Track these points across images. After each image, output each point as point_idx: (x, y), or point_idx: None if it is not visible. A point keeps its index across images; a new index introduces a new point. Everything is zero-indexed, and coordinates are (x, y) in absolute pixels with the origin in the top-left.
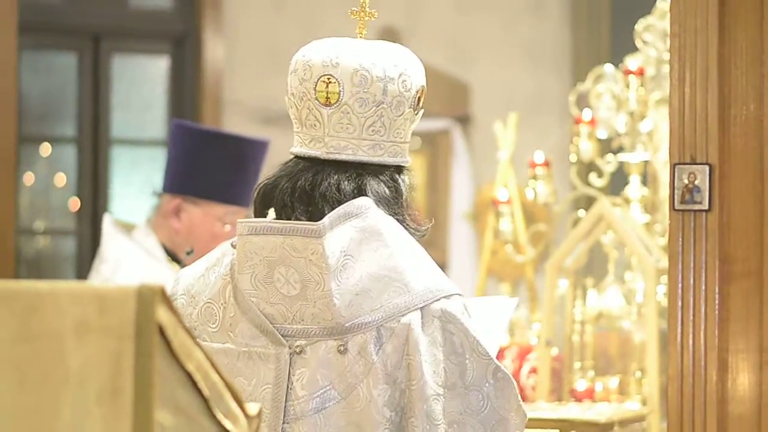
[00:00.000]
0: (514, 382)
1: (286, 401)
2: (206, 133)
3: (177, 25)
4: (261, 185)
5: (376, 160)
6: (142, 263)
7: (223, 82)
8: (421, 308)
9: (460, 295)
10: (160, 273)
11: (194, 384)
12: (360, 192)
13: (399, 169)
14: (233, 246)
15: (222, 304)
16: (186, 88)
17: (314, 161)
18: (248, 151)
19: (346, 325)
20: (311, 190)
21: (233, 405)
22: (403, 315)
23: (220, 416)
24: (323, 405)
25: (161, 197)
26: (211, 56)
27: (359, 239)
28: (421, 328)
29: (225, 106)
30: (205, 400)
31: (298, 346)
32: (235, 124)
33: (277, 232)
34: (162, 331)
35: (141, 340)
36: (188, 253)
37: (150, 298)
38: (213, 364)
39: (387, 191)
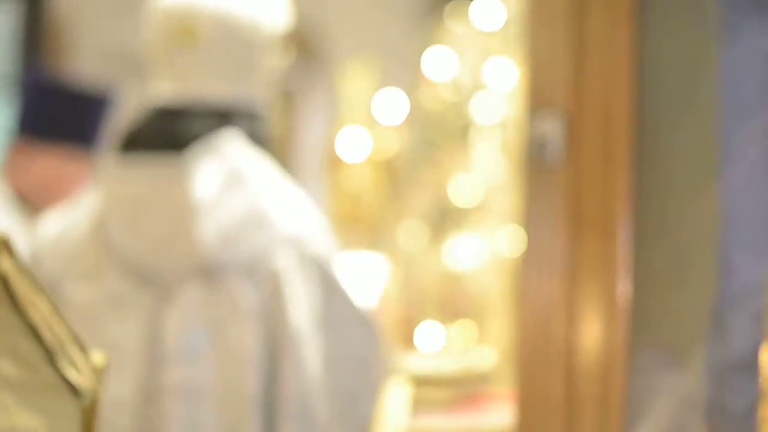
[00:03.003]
0: (380, 327)
1: (156, 345)
2: (61, 80)
3: None
4: (121, 130)
5: (238, 103)
6: None
7: (72, 23)
8: (291, 249)
9: (329, 238)
10: (13, 221)
11: (38, 335)
12: (222, 134)
13: (261, 111)
14: (98, 189)
15: (88, 249)
16: (34, 31)
17: (175, 105)
18: (104, 98)
19: (215, 266)
20: (173, 135)
21: (78, 357)
22: (272, 255)
23: (63, 367)
24: (193, 348)
25: (13, 142)
26: None
27: (226, 179)
28: (291, 269)
29: (75, 49)
30: (48, 351)
31: (167, 288)
32: (84, 67)
33: (143, 173)
34: (5, 282)
35: None
36: (33, 199)
37: None
38: (58, 315)
39: (250, 133)
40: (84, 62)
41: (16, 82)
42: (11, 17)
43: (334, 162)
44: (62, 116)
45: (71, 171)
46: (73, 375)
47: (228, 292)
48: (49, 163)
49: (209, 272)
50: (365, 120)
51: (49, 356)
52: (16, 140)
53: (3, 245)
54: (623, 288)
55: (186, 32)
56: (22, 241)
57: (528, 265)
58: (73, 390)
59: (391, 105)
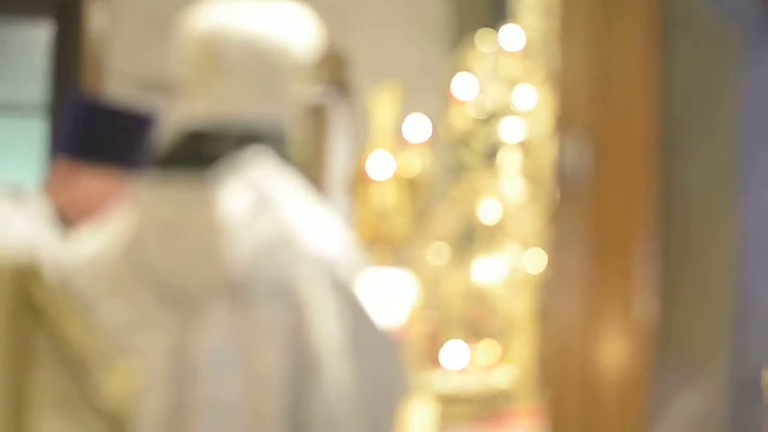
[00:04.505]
0: (404, 349)
1: (184, 363)
2: (104, 103)
3: None
4: (153, 152)
5: (266, 124)
6: (31, 229)
7: (106, 48)
8: (319, 270)
9: (356, 258)
10: (50, 240)
11: (71, 353)
12: (252, 156)
13: (289, 133)
14: (129, 208)
15: (118, 268)
16: (68, 55)
17: (204, 128)
18: (145, 122)
19: (243, 287)
20: (203, 157)
21: (110, 374)
22: (299, 277)
23: (96, 384)
24: (222, 365)
25: (55, 163)
26: (94, 22)
27: (254, 201)
28: (319, 289)
29: (107, 73)
30: (81, 369)
31: (195, 309)
32: (118, 90)
33: (172, 194)
34: (37, 304)
35: (15, 317)
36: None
37: (25, 275)
38: (91, 337)
39: (278, 155)
40: (116, 86)
41: (50, 104)
42: (44, 39)
43: (361, 180)
44: (105, 137)
45: (113, 191)
46: (105, 392)
47: (256, 313)
48: (90, 182)
49: (238, 292)
50: (393, 139)
51: (82, 377)
52: (58, 159)
53: (34, 273)
54: (645, 307)
55: (215, 55)
56: (59, 258)
57: (552, 285)
58: (105, 407)
59: (419, 125)
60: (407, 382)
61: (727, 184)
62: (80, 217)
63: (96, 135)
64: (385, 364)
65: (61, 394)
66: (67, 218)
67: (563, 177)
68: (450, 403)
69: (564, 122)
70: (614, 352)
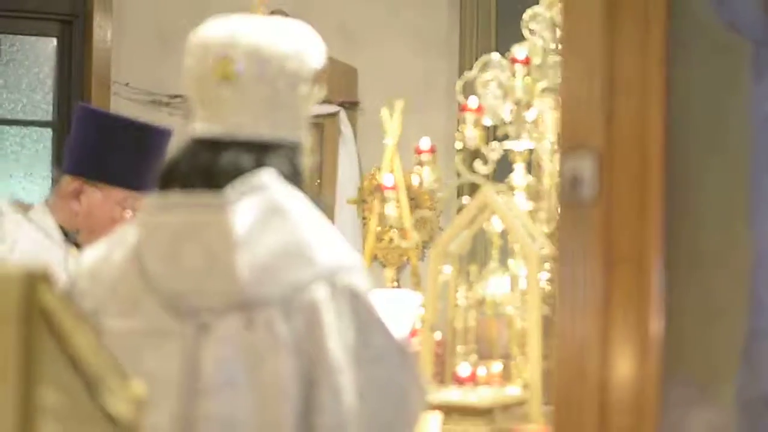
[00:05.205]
0: (416, 359)
1: (194, 377)
2: (112, 118)
3: (65, 6)
4: (161, 166)
5: (274, 137)
6: (38, 244)
7: (112, 63)
8: (327, 281)
9: (363, 269)
10: (57, 254)
11: (79, 366)
12: (260, 168)
13: (297, 146)
14: (138, 224)
15: (127, 283)
16: (74, 70)
17: (213, 140)
18: (152, 138)
19: (253, 299)
20: (211, 168)
21: (119, 387)
22: (309, 288)
23: (104, 398)
24: (231, 379)
25: (61, 178)
26: (100, 38)
27: (264, 213)
28: (328, 301)
29: (113, 89)
30: (89, 382)
31: (205, 321)
32: (123, 106)
33: (182, 207)
34: (46, 314)
35: (25, 323)
36: (75, 234)
37: (34, 281)
38: (99, 346)
39: (286, 168)
40: (122, 101)
41: (57, 117)
42: (51, 53)
43: (369, 194)
44: (111, 153)
45: (118, 207)
46: (113, 405)
47: (265, 325)
48: (94, 199)
49: (246, 305)
50: (401, 154)
51: (90, 387)
52: (65, 175)
53: (44, 279)
54: (656, 324)
55: (223, 66)
56: (65, 273)
57: (562, 301)
58: (114, 420)
59: (427, 140)
60: (423, 393)
61: (739, 199)
62: (85, 232)
63: (101, 152)
64: (398, 373)
65: (69, 404)
66: (69, 233)
67: (571, 193)
68: (459, 418)
69: (570, 138)
70: (625, 369)
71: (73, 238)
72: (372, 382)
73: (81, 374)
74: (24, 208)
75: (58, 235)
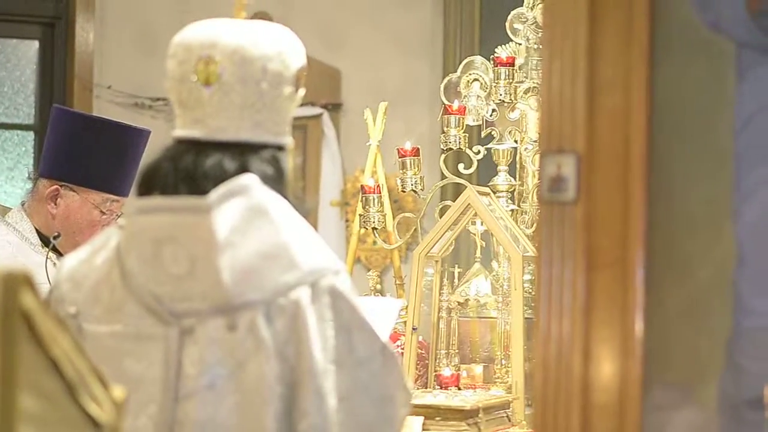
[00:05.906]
0: (400, 360)
1: (176, 380)
2: (88, 120)
3: (48, 9)
4: (143, 169)
5: (257, 139)
6: (15, 248)
7: (94, 66)
8: (310, 284)
9: (344, 272)
10: (34, 257)
11: (59, 370)
12: (243, 171)
13: (280, 148)
14: (120, 227)
15: (109, 287)
16: (56, 73)
17: (196, 143)
18: (129, 139)
19: (235, 302)
20: (194, 171)
21: (99, 391)
22: (291, 291)
23: (84, 402)
24: (213, 383)
25: (38, 182)
26: (82, 41)
27: (246, 216)
28: (310, 304)
29: (95, 92)
30: (69, 386)
31: (187, 324)
32: (106, 109)
33: (164, 210)
34: (26, 318)
35: (4, 326)
36: (55, 238)
37: (14, 284)
38: (79, 350)
39: (269, 170)
40: (104, 103)
41: (38, 120)
42: (31, 58)
43: (353, 196)
44: (88, 156)
45: (96, 210)
46: (94, 409)
47: (247, 328)
48: (71, 203)
49: (229, 308)
50: (383, 155)
51: (71, 391)
52: (42, 179)
53: (25, 282)
54: (638, 325)
55: (206, 68)
56: (45, 277)
57: (543, 303)
58: (94, 424)
59: (410, 141)
60: (406, 396)
61: (721, 200)
62: (65, 236)
63: (77, 154)
64: (382, 377)
65: (50, 408)
66: (46, 236)
67: (551, 194)
68: (441, 422)
69: (551, 138)
70: (606, 370)
71: (51, 242)
72: (355, 384)
73: (61, 378)
74: (1, 211)
75: (35, 238)
